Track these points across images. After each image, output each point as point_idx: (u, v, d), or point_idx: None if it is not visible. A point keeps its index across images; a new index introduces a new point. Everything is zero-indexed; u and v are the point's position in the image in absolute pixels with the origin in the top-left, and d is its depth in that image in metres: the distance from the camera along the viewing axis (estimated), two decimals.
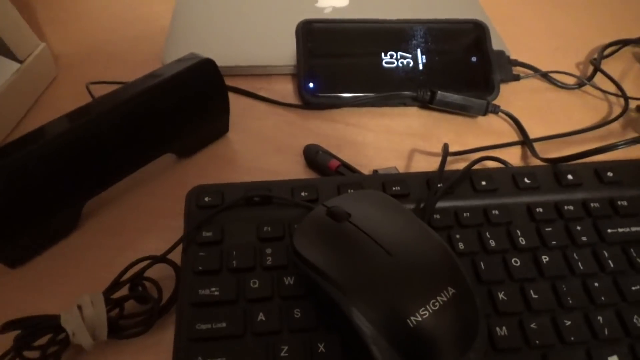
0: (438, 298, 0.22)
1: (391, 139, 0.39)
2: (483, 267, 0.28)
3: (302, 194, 0.31)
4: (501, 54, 0.43)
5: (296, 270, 0.27)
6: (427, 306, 0.21)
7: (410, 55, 0.42)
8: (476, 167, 0.34)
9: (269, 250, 0.28)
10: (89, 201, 0.32)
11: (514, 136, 0.40)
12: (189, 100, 0.33)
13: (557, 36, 0.50)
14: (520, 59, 0.45)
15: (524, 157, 0.38)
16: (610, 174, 0.33)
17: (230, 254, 0.28)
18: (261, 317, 0.26)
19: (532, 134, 0.40)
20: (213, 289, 0.26)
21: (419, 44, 0.43)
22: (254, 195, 0.30)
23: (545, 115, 0.42)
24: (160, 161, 0.36)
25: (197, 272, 0.27)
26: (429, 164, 0.37)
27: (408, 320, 0.21)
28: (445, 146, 0.34)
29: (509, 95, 0.43)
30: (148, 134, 0.32)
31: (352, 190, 0.31)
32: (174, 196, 0.34)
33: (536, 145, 0.39)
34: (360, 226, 0.25)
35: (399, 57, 0.42)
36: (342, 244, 0.24)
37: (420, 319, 0.21)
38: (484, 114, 0.40)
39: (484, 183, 0.32)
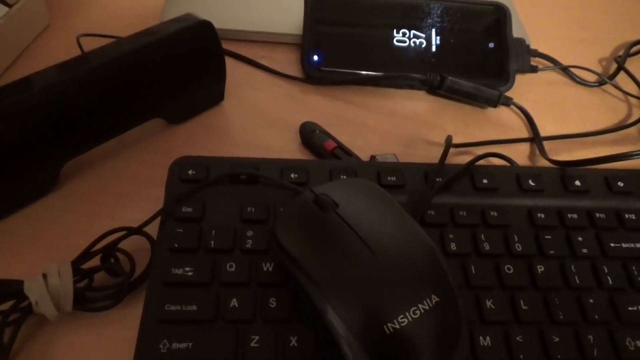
0: (419, 305, 0.20)
1: (394, 123, 0.37)
2: (474, 271, 0.26)
3: (292, 175, 0.29)
4: (521, 42, 0.41)
5: (276, 256, 0.26)
6: (407, 313, 0.20)
7: (423, 35, 0.40)
8: (480, 162, 0.32)
9: (250, 233, 0.27)
10: (69, 162, 0.30)
11: (524, 132, 0.38)
12: (182, 64, 0.31)
13: (583, 28, 0.47)
14: (541, 49, 0.42)
15: (531, 155, 0.36)
16: (620, 183, 0.31)
17: (209, 233, 0.26)
18: (234, 303, 0.24)
19: (544, 131, 0.37)
20: (187, 268, 0.25)
21: (434, 24, 0.40)
22: (240, 173, 0.29)
23: (560, 112, 0.39)
24: (149, 126, 0.34)
25: (172, 249, 0.26)
26: (430, 154, 0.35)
27: (385, 327, 0.20)
28: (449, 139, 0.32)
29: (524, 87, 0.41)
30: (136, 95, 0.30)
31: (344, 177, 0.29)
32: (159, 164, 0.32)
33: (546, 143, 0.36)
34: (346, 219, 0.23)
35: (411, 35, 0.40)
36: (325, 236, 0.23)
37: (398, 326, 0.20)
38: (495, 105, 0.38)
39: (485, 181, 0.30)
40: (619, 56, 0.44)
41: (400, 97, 0.39)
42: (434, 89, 0.38)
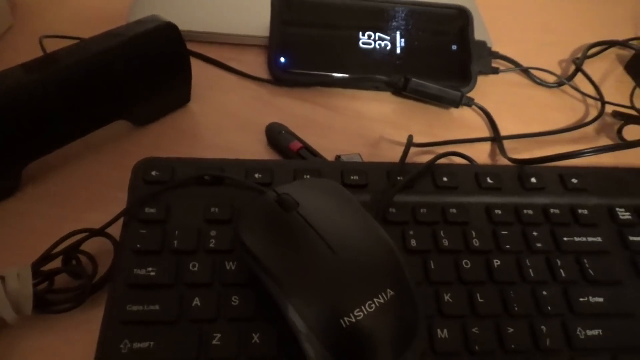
0: (375, 299, 0.21)
1: (360, 124, 0.38)
2: (433, 267, 0.27)
3: (257, 176, 0.30)
4: (482, 44, 0.42)
5: (239, 256, 0.26)
6: (363, 307, 0.21)
7: (388, 38, 0.40)
8: (442, 161, 0.33)
9: (213, 233, 0.27)
10: (31, 164, 0.30)
11: (485, 131, 0.39)
12: (146, 66, 0.31)
13: (545, 31, 0.49)
14: (504, 51, 0.44)
15: (492, 154, 0.37)
16: (575, 180, 0.32)
17: (172, 233, 0.27)
18: (197, 302, 0.25)
19: (505, 130, 0.39)
20: (150, 269, 0.25)
21: (399, 27, 0.41)
22: (204, 174, 0.29)
23: (520, 112, 0.41)
24: (114, 128, 0.34)
25: (135, 250, 0.26)
26: (395, 154, 0.36)
27: (342, 321, 0.20)
28: (409, 138, 0.33)
29: (486, 88, 0.42)
30: (99, 96, 0.30)
31: (308, 177, 0.30)
32: (124, 166, 0.32)
33: (507, 143, 0.38)
34: (307, 218, 0.23)
35: (377, 38, 0.40)
36: (286, 235, 0.23)
37: (354, 319, 0.20)
38: (457, 105, 0.39)
39: (445, 179, 0.31)
40: (577, 58, 0.45)
41: (367, 99, 0.39)
42: (399, 91, 0.39)
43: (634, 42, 0.48)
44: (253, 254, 0.23)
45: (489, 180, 0.31)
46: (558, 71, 0.45)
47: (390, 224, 0.29)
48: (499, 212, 0.30)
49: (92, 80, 0.29)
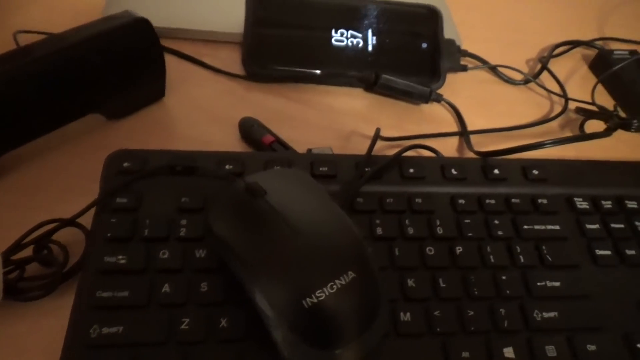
0: (336, 281, 0.22)
1: (332, 119, 0.39)
2: (398, 254, 0.28)
3: (228, 167, 0.30)
4: (452, 42, 0.43)
5: (209, 243, 0.27)
6: (325, 288, 0.21)
7: (360, 35, 0.42)
8: (410, 154, 0.34)
9: (184, 222, 0.28)
10: (5, 155, 0.30)
11: (453, 126, 0.40)
12: (118, 60, 0.32)
13: (514, 30, 0.51)
14: (473, 49, 0.45)
15: (460, 148, 0.38)
16: (535, 171, 0.33)
17: (143, 222, 0.27)
18: (167, 288, 0.25)
19: (473, 125, 0.40)
20: (120, 256, 0.26)
21: (370, 25, 0.42)
22: (176, 165, 0.29)
23: (488, 108, 0.42)
24: (88, 121, 0.34)
25: (106, 238, 0.26)
26: (366, 147, 0.37)
27: (303, 302, 0.21)
28: (377, 131, 0.34)
29: (456, 85, 0.43)
30: (72, 90, 0.31)
31: (278, 167, 0.31)
32: (98, 159, 0.32)
33: (474, 137, 0.39)
34: (274, 204, 0.24)
35: (349, 35, 0.41)
36: (254, 222, 0.24)
37: (315, 300, 0.21)
38: (427, 101, 0.40)
39: (412, 170, 0.32)
40: (544, 57, 0.47)
41: (339, 94, 0.40)
42: (370, 87, 0.40)
43: (599, 42, 0.50)
44: (221, 240, 0.24)
45: (453, 171, 0.32)
46: (525, 69, 0.46)
47: (358, 212, 0.30)
48: (463, 201, 0.31)
49: (65, 73, 0.30)
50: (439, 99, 0.40)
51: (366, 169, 0.31)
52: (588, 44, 0.49)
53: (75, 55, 0.30)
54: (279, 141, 0.34)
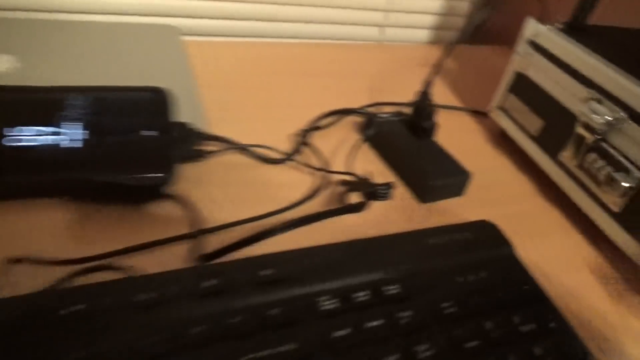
0: None
1: (16, 245, 0.28)
2: None
3: None
4: (188, 127, 0.36)
5: None
6: None
7: (66, 131, 0.33)
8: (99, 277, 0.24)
9: None
10: None
11: (185, 226, 0.32)
12: None
13: (277, 106, 0.46)
14: (229, 131, 0.39)
15: (194, 251, 0.30)
16: (268, 271, 0.26)
17: None
18: None
19: (221, 218, 0.32)
20: None
21: (80, 117, 0.34)
22: None
23: (241, 195, 0.35)
24: None
25: None
26: (43, 282, 0.26)
27: None
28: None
29: (201, 174, 0.36)
30: None
31: None
32: None
33: (214, 236, 0.31)
34: None
35: (50, 133, 0.32)
36: None
37: None
38: (156, 198, 0.31)
39: (81, 307, 0.22)
40: (306, 130, 0.42)
41: (29, 210, 0.30)
42: (78, 195, 0.31)
43: (370, 109, 0.48)
44: None
45: (143, 296, 0.23)
46: (286, 146, 0.41)
47: None
48: (155, 341, 0.21)
49: None
50: (170, 194, 0.32)
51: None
52: (357, 111, 0.47)
53: None
54: None
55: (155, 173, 0.33)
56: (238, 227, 0.32)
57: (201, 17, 0.59)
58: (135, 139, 0.34)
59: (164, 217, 0.32)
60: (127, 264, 0.28)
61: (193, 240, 0.30)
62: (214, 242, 0.30)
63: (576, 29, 0.42)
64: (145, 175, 0.32)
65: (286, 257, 0.27)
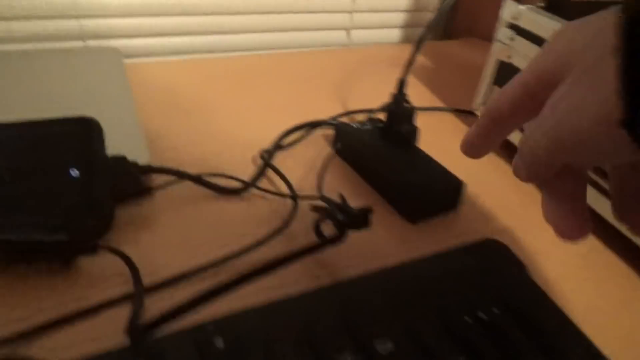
0: None
1: None
2: None
3: None
4: (125, 161, 0.30)
5: None
6: None
7: None
8: None
9: None
10: None
11: (124, 283, 0.26)
12: None
13: (228, 128, 0.41)
14: (178, 161, 0.33)
15: (132, 318, 0.24)
16: (219, 341, 0.20)
17: None
18: None
19: (172, 266, 0.26)
20: None
21: None
22: None
23: (194, 237, 0.29)
24: None
25: None
26: None
27: None
28: None
29: (146, 214, 0.30)
30: None
31: None
32: None
33: (165, 292, 0.25)
34: None
35: None
36: None
37: None
38: (81, 254, 0.25)
39: None
40: (266, 151, 0.37)
41: None
42: None
43: (342, 118, 0.43)
44: None
45: None
46: (247, 172, 0.35)
47: None
48: None
49: None
50: (103, 246, 0.26)
51: None
52: (325, 122, 0.42)
53: None
54: None
55: (80, 223, 0.27)
56: (192, 279, 0.26)
57: (145, 36, 0.54)
58: (62, 180, 0.28)
59: (97, 276, 0.26)
60: (37, 349, 0.21)
61: (132, 302, 0.24)
62: (157, 304, 0.24)
63: (559, 7, 0.37)
64: (67, 227, 0.26)
65: (242, 320, 0.21)
